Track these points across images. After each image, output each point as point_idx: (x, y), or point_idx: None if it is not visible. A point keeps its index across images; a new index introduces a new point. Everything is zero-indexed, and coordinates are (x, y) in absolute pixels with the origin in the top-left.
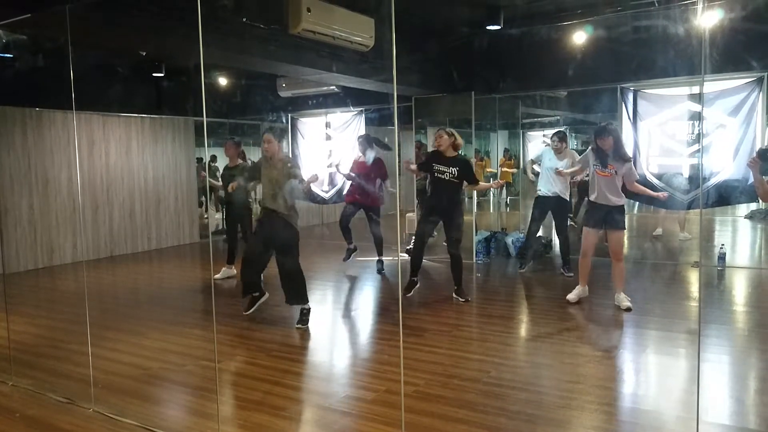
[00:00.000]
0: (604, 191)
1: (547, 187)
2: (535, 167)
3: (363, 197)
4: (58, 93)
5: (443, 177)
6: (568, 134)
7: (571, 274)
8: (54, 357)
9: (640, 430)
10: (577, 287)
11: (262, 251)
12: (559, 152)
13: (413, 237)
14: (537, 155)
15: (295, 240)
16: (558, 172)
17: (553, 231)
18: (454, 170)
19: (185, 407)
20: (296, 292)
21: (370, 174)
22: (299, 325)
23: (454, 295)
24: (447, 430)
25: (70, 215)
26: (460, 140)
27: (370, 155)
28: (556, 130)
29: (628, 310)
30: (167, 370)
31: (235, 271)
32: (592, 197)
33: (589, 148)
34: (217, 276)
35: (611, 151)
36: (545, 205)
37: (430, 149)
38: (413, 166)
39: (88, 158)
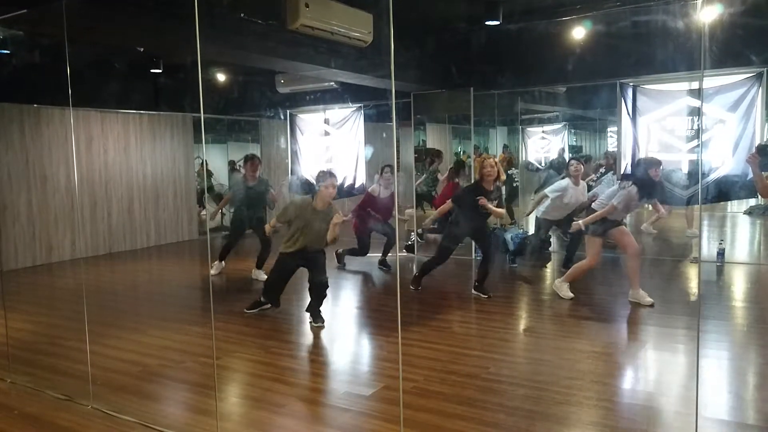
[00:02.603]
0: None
1: (559, 215)
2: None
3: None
4: (56, 89)
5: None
6: (568, 132)
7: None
8: (52, 354)
9: (638, 425)
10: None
11: (292, 272)
12: (578, 182)
13: (411, 233)
14: (555, 188)
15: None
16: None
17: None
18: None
19: (184, 404)
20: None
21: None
22: (320, 323)
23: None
24: (446, 426)
25: (68, 212)
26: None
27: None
28: (557, 127)
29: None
30: (166, 367)
31: (223, 264)
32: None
33: (629, 185)
34: (213, 272)
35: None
36: (554, 223)
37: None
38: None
39: (86, 155)
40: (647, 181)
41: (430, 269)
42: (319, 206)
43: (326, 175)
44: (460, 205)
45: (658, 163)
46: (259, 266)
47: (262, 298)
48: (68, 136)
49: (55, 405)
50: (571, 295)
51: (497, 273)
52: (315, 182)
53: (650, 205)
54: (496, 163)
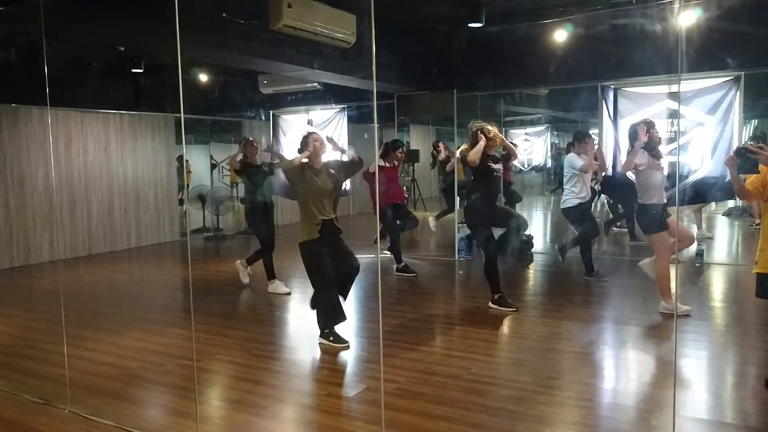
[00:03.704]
0: (660, 188)
1: (585, 193)
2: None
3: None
4: (34, 89)
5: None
6: (550, 133)
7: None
8: (29, 357)
9: (619, 425)
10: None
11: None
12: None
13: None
14: (571, 162)
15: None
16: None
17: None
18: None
19: (164, 407)
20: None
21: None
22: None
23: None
24: (428, 427)
25: (47, 213)
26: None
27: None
28: (540, 129)
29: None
30: (146, 370)
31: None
32: (656, 199)
33: (635, 147)
34: (284, 289)
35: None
36: (585, 211)
37: (410, 148)
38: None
39: (65, 155)
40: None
41: (494, 268)
42: (315, 165)
43: (307, 138)
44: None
45: (653, 123)
46: (250, 262)
47: (327, 331)
48: (47, 135)
49: (31, 409)
50: (690, 308)
51: (480, 274)
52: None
53: None
54: (492, 124)
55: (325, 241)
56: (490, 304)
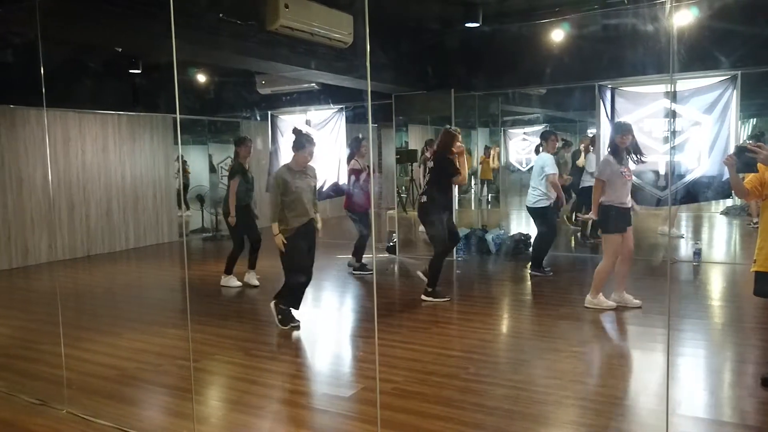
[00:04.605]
0: (624, 192)
1: (551, 194)
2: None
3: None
4: (32, 89)
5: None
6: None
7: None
8: (27, 358)
9: (614, 423)
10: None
11: (309, 262)
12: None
13: (392, 234)
14: (550, 165)
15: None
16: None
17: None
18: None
19: (161, 407)
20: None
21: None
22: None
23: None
24: (424, 426)
25: (45, 214)
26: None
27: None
28: (538, 128)
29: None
30: (143, 371)
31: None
32: (615, 200)
33: (607, 152)
34: (224, 283)
35: (631, 147)
36: (552, 211)
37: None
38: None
39: (63, 156)
40: (617, 146)
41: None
42: (295, 167)
43: (302, 141)
44: (438, 172)
45: (628, 129)
46: (251, 267)
47: (282, 305)
48: (45, 137)
49: (28, 410)
50: (614, 303)
51: (477, 274)
52: (293, 146)
53: None
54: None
55: (302, 236)
56: (423, 297)
